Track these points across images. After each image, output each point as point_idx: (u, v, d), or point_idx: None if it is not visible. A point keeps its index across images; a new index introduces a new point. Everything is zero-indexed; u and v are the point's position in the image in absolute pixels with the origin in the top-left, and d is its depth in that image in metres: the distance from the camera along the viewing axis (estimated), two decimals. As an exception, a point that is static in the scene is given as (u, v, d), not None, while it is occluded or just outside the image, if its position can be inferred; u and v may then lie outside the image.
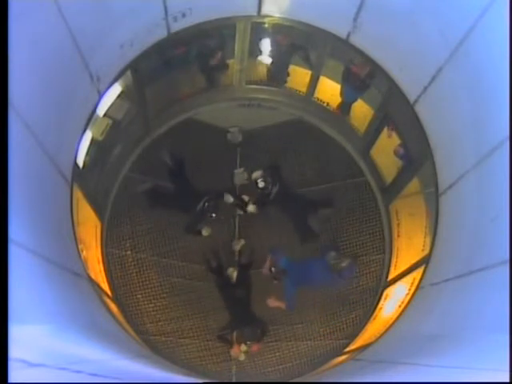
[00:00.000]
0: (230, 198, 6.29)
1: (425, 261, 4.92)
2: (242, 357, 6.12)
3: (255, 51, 5.81)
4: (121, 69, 4.79)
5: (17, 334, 2.14)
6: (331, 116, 6.31)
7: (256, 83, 6.25)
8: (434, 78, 4.19)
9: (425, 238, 5.08)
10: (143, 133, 6.13)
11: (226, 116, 6.49)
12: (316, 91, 6.14)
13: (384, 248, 6.26)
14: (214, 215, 6.12)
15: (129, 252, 6.20)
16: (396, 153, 5.61)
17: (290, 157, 6.66)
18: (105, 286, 5.65)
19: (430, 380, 2.88)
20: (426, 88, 4.40)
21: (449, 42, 3.74)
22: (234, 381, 6.13)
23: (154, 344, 5.96)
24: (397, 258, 6.00)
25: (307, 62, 5.87)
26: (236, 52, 5.71)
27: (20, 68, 2.84)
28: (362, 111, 5.94)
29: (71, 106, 4.15)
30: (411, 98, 4.75)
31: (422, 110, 4.70)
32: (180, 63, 5.70)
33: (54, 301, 3.31)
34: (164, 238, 6.30)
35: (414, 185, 5.48)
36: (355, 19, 4.47)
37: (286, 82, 6.22)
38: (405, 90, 4.82)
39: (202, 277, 6.27)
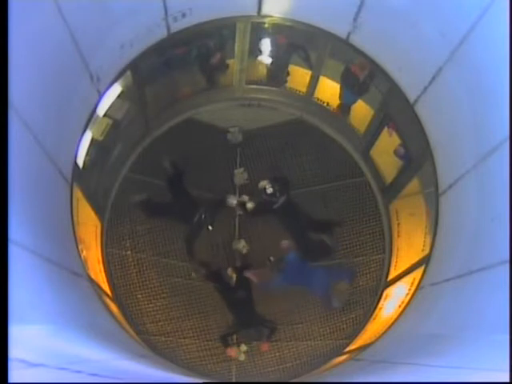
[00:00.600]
0: (233, 201, 6.25)
1: (425, 261, 4.92)
2: (242, 357, 6.13)
3: (255, 51, 5.81)
4: (121, 69, 4.79)
5: (17, 333, 2.14)
6: (331, 116, 6.31)
7: (256, 83, 6.25)
8: (434, 78, 4.19)
9: (425, 238, 5.08)
10: (143, 133, 6.13)
11: (225, 116, 6.49)
12: (316, 91, 6.14)
13: (384, 248, 6.25)
14: (210, 228, 6.08)
15: (129, 252, 6.20)
16: (396, 153, 5.61)
17: (290, 157, 6.66)
18: (105, 286, 5.65)
19: (430, 380, 2.88)
20: (426, 88, 4.40)
21: (449, 42, 3.74)
22: (233, 381, 6.13)
23: (154, 344, 5.96)
24: (397, 258, 6.00)
25: (307, 62, 5.87)
26: (236, 52, 5.72)
27: (20, 68, 2.84)
28: (361, 111, 5.94)
29: (71, 106, 4.15)
30: (411, 98, 4.75)
31: (421, 109, 4.70)
32: (180, 63, 5.70)
33: (54, 301, 3.31)
34: (164, 238, 6.30)
35: (413, 185, 5.49)
36: (355, 19, 4.47)
37: (285, 81, 6.22)
38: (405, 90, 4.82)
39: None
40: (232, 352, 6.10)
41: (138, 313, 6.09)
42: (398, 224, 5.99)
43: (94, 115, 4.69)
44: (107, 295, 5.58)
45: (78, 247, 4.53)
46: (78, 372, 2.48)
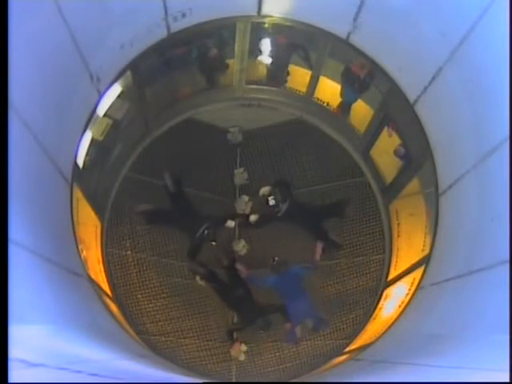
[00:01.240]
0: (231, 224, 6.17)
1: (425, 261, 4.92)
2: (242, 357, 6.13)
3: (255, 51, 5.81)
4: (121, 69, 4.79)
5: (17, 333, 2.14)
6: (331, 116, 6.31)
7: (256, 83, 6.25)
8: (434, 78, 4.19)
9: (425, 238, 5.08)
10: (143, 133, 6.13)
11: (226, 116, 6.49)
12: (316, 91, 6.14)
13: (384, 248, 6.26)
14: (214, 243, 6.01)
15: (129, 252, 6.19)
16: (396, 153, 5.61)
17: (290, 157, 6.66)
18: (105, 286, 5.64)
19: (430, 380, 2.88)
20: (426, 88, 4.40)
21: (449, 42, 3.74)
22: (233, 381, 6.13)
23: (154, 344, 5.96)
24: (397, 257, 6.00)
25: (307, 62, 5.88)
26: (236, 52, 5.72)
27: (20, 68, 2.84)
28: (361, 111, 5.94)
29: (71, 106, 4.14)
30: (411, 98, 4.75)
31: (421, 109, 4.70)
32: (180, 63, 5.70)
33: (54, 301, 3.31)
34: (164, 238, 6.30)
35: (414, 185, 5.49)
36: (355, 19, 4.47)
37: (285, 81, 6.23)
38: (405, 90, 4.82)
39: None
40: (236, 348, 6.05)
41: (137, 313, 6.09)
42: (398, 224, 5.99)
43: (94, 115, 4.69)
44: (107, 295, 5.57)
45: (78, 247, 4.52)
46: (78, 372, 2.48)
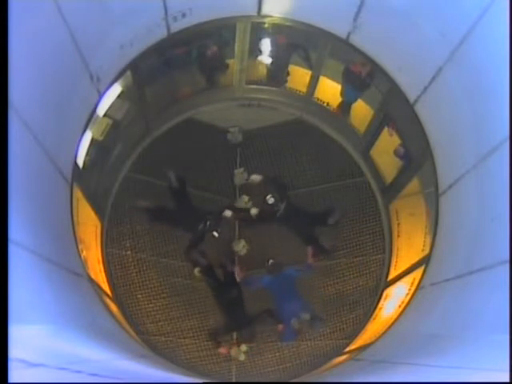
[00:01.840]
0: (228, 213, 6.24)
1: (425, 261, 4.92)
2: (242, 357, 6.13)
3: (255, 51, 5.81)
4: (121, 69, 4.79)
5: (17, 333, 2.14)
6: (331, 116, 6.31)
7: (256, 83, 6.25)
8: (434, 78, 4.19)
9: (425, 237, 5.08)
10: (143, 133, 6.13)
11: (226, 116, 6.49)
12: (316, 91, 6.15)
13: (384, 248, 6.26)
14: (216, 234, 6.05)
15: (129, 252, 6.19)
16: (396, 153, 5.61)
17: (290, 157, 6.66)
18: (105, 286, 5.65)
19: (430, 380, 2.88)
20: (426, 88, 4.40)
21: (449, 41, 3.74)
22: (233, 381, 6.13)
23: (154, 344, 5.96)
24: (397, 257, 6.00)
25: (307, 62, 5.88)
26: (236, 52, 5.72)
27: (20, 68, 2.84)
28: (361, 111, 5.94)
29: (71, 106, 4.15)
30: (411, 97, 4.75)
31: (421, 109, 4.70)
32: (180, 63, 5.70)
33: (54, 301, 3.31)
34: (164, 238, 6.30)
35: (414, 185, 5.49)
36: (355, 19, 4.47)
37: (285, 81, 6.23)
38: (405, 90, 4.83)
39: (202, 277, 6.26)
40: (224, 351, 6.08)
41: (137, 313, 6.08)
42: (398, 224, 5.99)
43: (94, 115, 4.69)
44: (107, 295, 5.58)
45: (78, 247, 4.53)
46: (78, 372, 2.48)
